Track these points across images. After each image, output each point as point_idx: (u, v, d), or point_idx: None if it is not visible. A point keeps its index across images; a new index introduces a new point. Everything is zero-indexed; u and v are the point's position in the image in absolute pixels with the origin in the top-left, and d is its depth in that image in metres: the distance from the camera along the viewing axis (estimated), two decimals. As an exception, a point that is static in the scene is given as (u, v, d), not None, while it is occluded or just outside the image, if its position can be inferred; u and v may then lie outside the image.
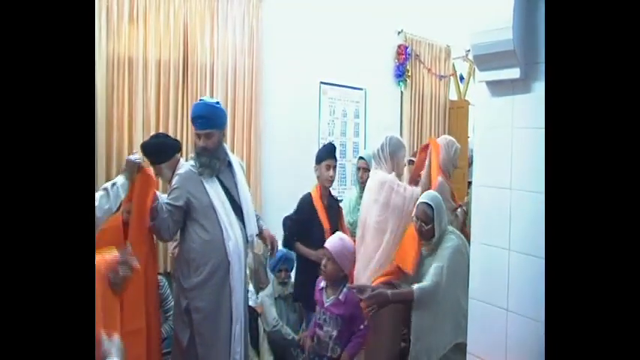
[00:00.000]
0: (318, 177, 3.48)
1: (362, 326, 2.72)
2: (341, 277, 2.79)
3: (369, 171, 3.37)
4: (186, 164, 2.84)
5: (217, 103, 2.83)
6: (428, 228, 2.62)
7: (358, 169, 3.69)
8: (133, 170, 2.61)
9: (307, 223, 3.39)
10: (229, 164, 2.90)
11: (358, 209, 3.36)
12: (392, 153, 3.13)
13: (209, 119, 2.72)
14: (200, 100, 2.86)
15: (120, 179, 2.56)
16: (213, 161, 2.76)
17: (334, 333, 2.71)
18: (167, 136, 3.34)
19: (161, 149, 3.01)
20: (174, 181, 2.77)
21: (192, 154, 2.89)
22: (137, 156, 2.68)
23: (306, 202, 3.46)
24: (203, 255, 2.71)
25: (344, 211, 3.67)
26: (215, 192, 2.76)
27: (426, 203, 2.64)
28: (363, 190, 3.39)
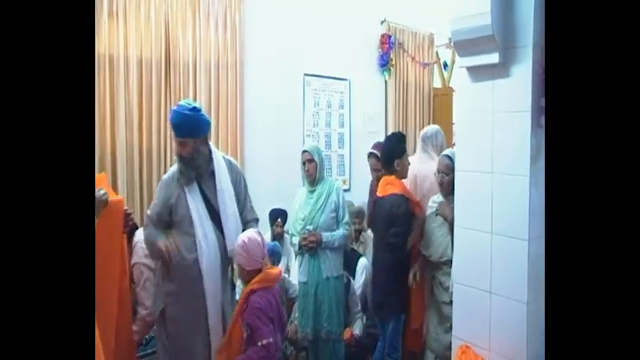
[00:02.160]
0: (398, 171, 3.13)
1: (259, 343, 2.32)
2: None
3: (313, 162, 3.30)
4: (172, 168, 2.74)
5: (194, 108, 2.61)
6: (448, 178, 2.73)
7: (303, 163, 3.37)
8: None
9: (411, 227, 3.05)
10: (212, 172, 2.72)
11: (309, 203, 3.32)
12: (441, 142, 3.32)
13: (182, 127, 2.59)
14: (178, 105, 2.66)
15: None
16: (188, 170, 2.62)
17: (245, 337, 2.47)
18: None
19: None
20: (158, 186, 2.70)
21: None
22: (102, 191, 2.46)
23: (408, 205, 3.02)
24: (177, 266, 2.59)
25: (296, 207, 3.46)
26: (194, 202, 2.63)
27: (447, 155, 2.83)
28: (311, 183, 3.33)
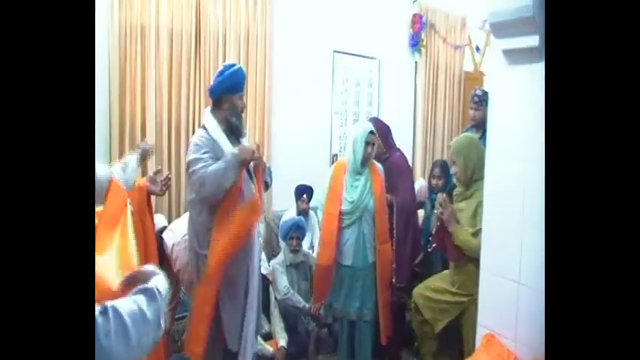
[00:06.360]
0: None
1: None
2: None
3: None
4: (196, 137, 2.69)
5: None
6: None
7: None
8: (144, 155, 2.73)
9: None
10: None
11: None
12: None
13: (244, 82, 2.81)
14: (228, 65, 2.73)
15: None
16: (242, 123, 2.78)
17: None
18: None
19: None
20: (195, 151, 2.59)
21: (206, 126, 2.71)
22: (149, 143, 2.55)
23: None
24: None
25: None
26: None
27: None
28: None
